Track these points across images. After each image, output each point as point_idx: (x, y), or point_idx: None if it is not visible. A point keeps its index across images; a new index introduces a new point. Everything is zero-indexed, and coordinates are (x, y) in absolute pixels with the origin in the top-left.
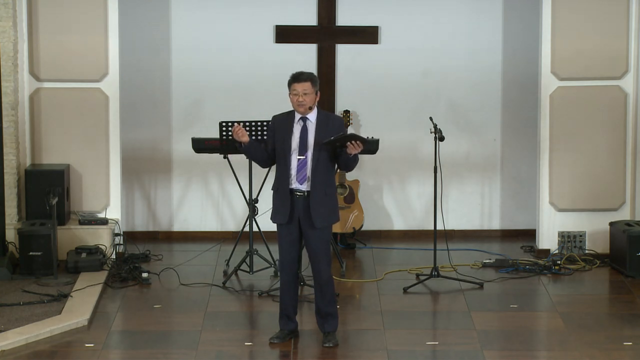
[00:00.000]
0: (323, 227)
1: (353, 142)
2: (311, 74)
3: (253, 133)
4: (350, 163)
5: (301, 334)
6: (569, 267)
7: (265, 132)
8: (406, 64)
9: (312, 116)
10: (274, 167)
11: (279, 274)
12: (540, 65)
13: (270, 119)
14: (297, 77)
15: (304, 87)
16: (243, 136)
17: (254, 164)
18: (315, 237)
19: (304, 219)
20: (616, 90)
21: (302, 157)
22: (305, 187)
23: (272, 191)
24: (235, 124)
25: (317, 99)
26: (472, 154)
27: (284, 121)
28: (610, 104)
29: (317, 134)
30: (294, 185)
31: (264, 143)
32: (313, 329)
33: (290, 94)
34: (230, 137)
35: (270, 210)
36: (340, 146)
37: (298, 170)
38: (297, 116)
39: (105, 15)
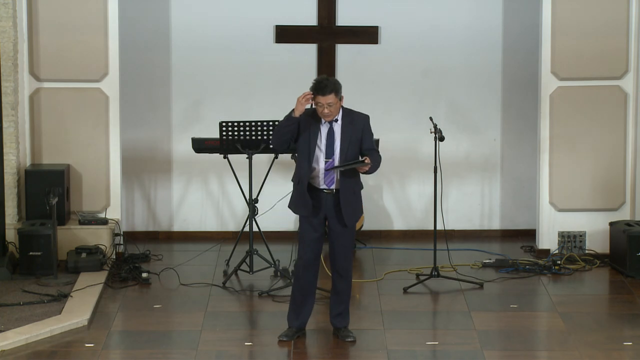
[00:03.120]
0: (352, 225)
1: (356, 166)
2: (334, 83)
3: (253, 133)
4: (371, 171)
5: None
6: (569, 267)
7: (265, 133)
8: (406, 63)
9: (338, 116)
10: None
11: (295, 268)
12: (540, 65)
13: (270, 118)
14: (321, 90)
15: (328, 99)
16: (302, 107)
17: (253, 164)
18: (344, 234)
19: (333, 217)
20: (616, 90)
21: (329, 159)
22: (334, 186)
23: (292, 182)
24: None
25: (342, 102)
26: (472, 154)
27: (310, 119)
28: (610, 104)
29: (343, 134)
30: (322, 185)
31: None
32: (313, 328)
33: (314, 102)
34: (230, 137)
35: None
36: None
37: (326, 173)
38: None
39: (105, 15)
